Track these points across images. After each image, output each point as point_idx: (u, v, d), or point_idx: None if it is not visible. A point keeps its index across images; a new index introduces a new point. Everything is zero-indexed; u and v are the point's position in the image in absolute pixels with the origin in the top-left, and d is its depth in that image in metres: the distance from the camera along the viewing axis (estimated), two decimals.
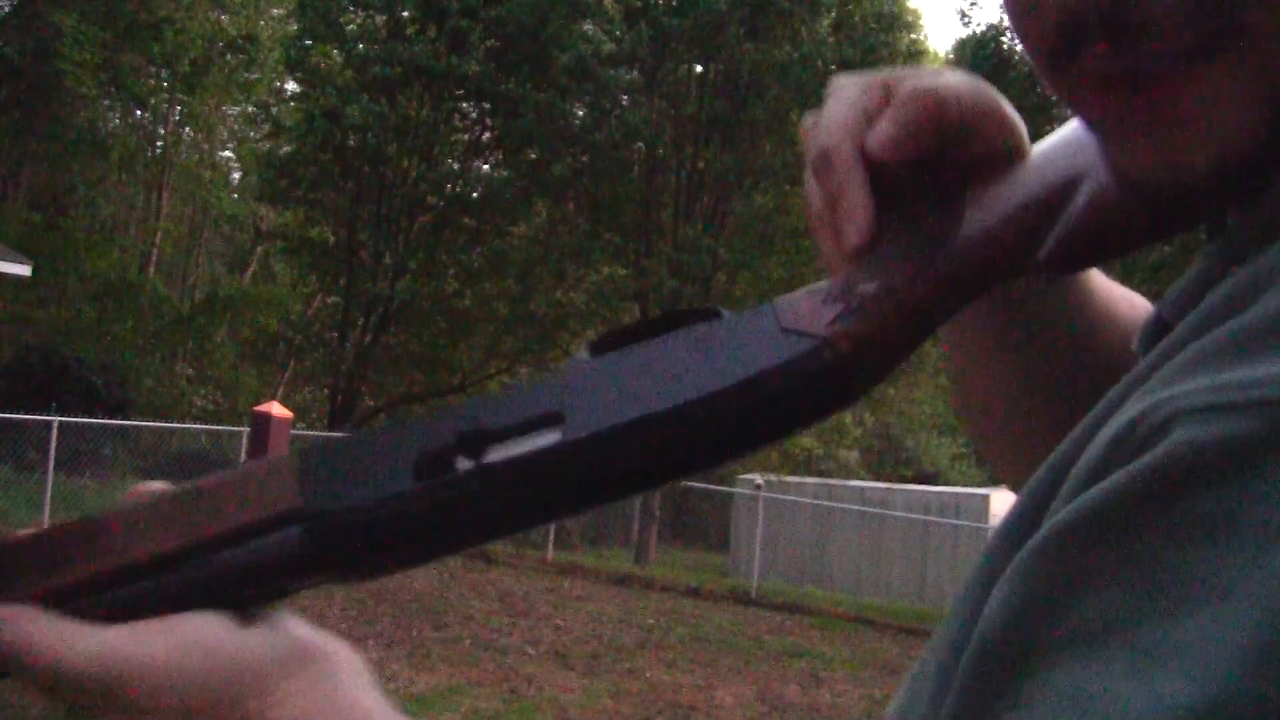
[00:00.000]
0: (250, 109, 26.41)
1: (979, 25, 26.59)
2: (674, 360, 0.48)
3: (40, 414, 12.21)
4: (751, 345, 0.47)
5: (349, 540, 0.46)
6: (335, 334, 21.53)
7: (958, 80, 0.52)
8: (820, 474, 21.38)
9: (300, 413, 21.15)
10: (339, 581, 0.49)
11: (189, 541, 0.48)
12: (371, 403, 20.89)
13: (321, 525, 0.46)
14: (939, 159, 0.52)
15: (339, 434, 0.56)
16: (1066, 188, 0.51)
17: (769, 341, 0.47)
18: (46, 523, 12.23)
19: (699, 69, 18.54)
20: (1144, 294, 0.65)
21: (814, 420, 0.48)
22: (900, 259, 0.50)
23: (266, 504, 0.47)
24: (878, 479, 22.44)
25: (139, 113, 25.31)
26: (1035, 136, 0.54)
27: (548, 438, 0.47)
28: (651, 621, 10.66)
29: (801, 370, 0.47)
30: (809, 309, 0.48)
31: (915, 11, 24.03)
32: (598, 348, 0.50)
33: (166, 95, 24.54)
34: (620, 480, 0.47)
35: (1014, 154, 0.53)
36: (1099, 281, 0.62)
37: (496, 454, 0.47)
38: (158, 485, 0.51)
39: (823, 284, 0.50)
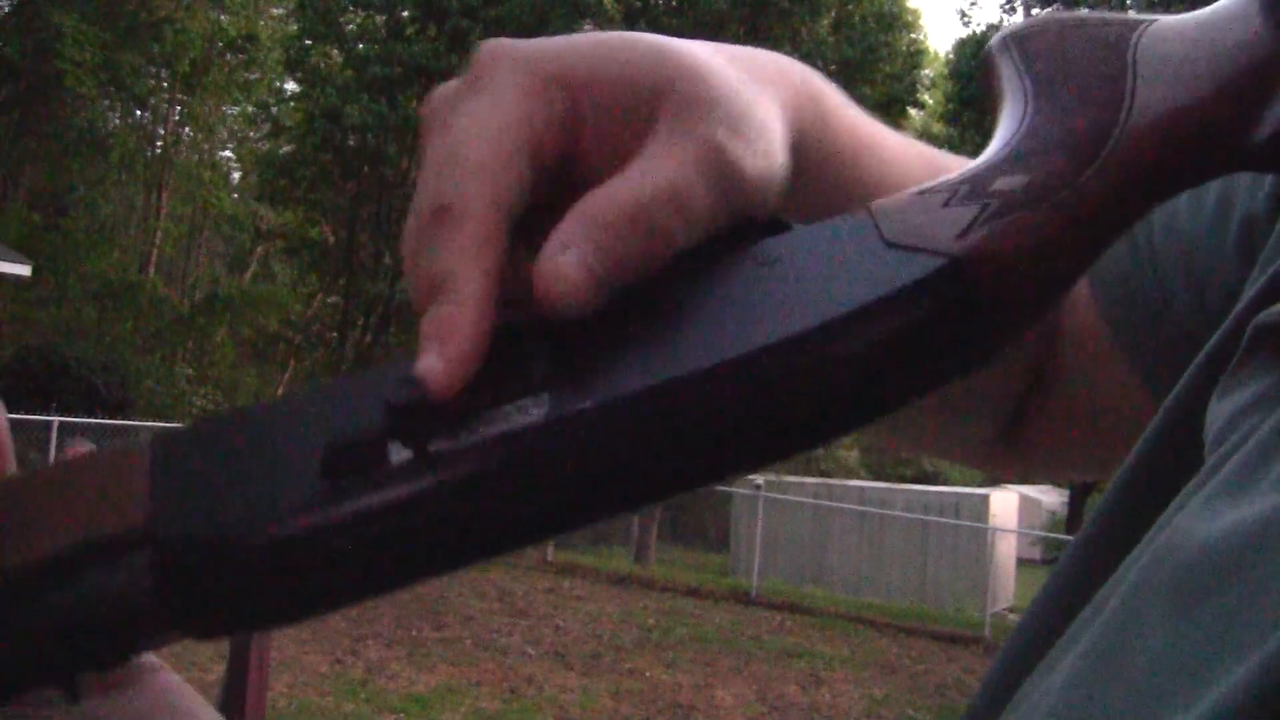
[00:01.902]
0: (250, 109, 26.41)
1: (979, 25, 26.64)
2: (722, 293, 0.32)
3: (40, 414, 12.22)
4: (841, 268, 0.32)
5: (216, 581, 0.29)
6: (335, 334, 21.54)
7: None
8: (820, 474, 21.41)
9: None
10: (207, 637, 0.30)
11: None
12: None
13: (174, 558, 0.29)
14: None
15: (218, 412, 0.34)
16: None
17: (866, 261, 0.31)
18: None
19: None
20: None
21: (934, 384, 0.32)
22: (1056, 140, 0.34)
23: (100, 518, 0.30)
24: (878, 479, 22.45)
25: (139, 113, 25.33)
26: None
27: (530, 412, 0.30)
28: (651, 621, 10.66)
29: (921, 304, 0.30)
30: (923, 214, 0.33)
31: (915, 11, 24.05)
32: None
33: (166, 95, 24.55)
34: (637, 477, 0.30)
35: None
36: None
37: (449, 437, 0.29)
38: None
39: (941, 181, 0.34)
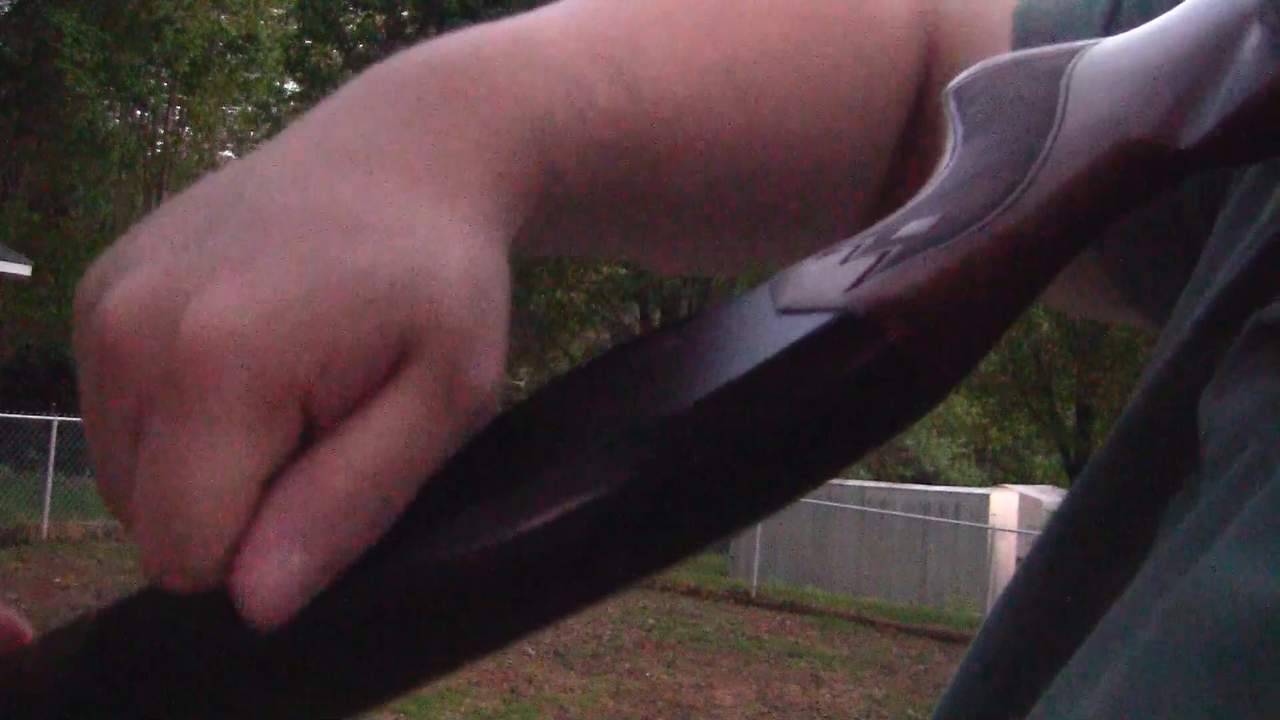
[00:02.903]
0: (250, 109, 26.42)
1: None
2: (615, 394, 0.30)
3: (40, 414, 12.21)
4: (732, 343, 0.30)
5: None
6: None
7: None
8: None
9: None
10: None
11: None
12: None
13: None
14: None
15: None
16: (1220, 40, 0.33)
17: (757, 332, 0.29)
18: (46, 523, 11.96)
19: None
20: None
21: (876, 438, 0.29)
22: (973, 176, 0.32)
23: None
24: (878, 479, 22.45)
25: (139, 113, 25.34)
26: None
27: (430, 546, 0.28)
28: (651, 621, 10.67)
29: (814, 362, 0.28)
30: (818, 276, 0.30)
31: None
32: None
33: (166, 95, 24.56)
34: (535, 593, 0.28)
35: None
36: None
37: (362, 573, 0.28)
38: None
39: (845, 241, 0.32)
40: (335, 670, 0.28)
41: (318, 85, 20.53)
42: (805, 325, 0.28)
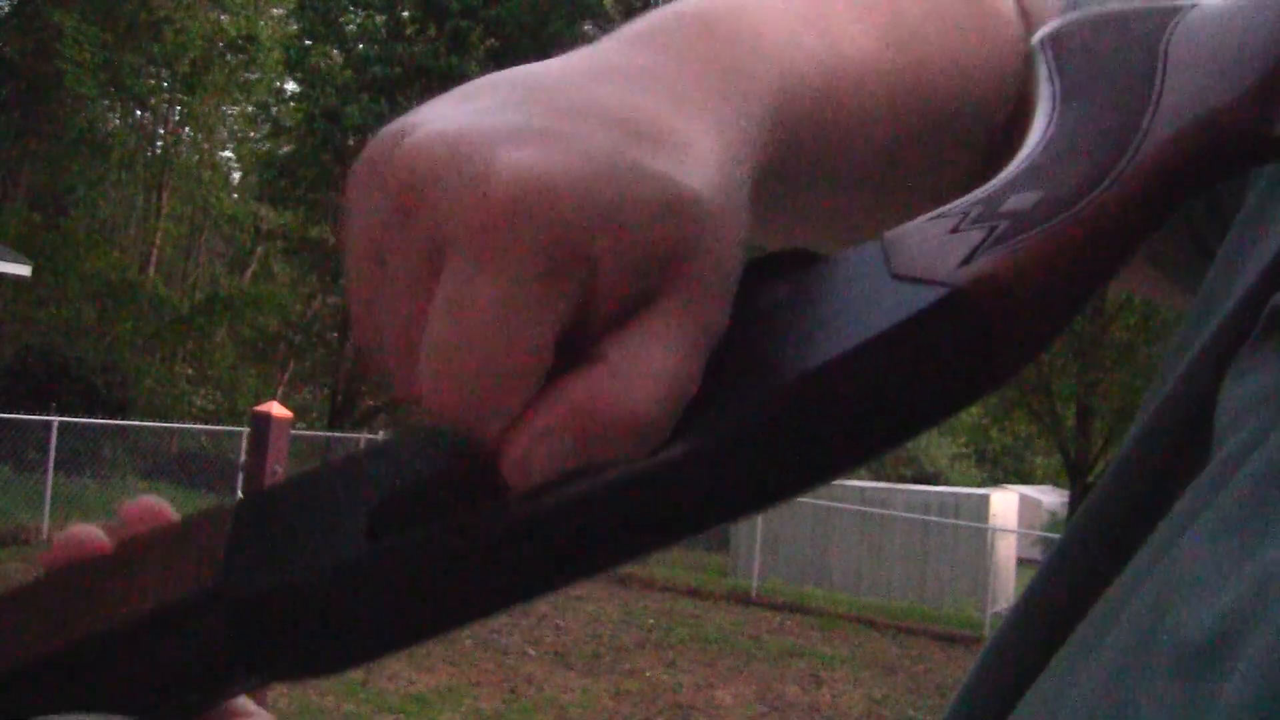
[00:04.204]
0: (250, 109, 26.42)
1: None
2: (733, 343, 0.31)
3: (40, 414, 12.21)
4: (850, 304, 0.31)
5: (281, 633, 0.32)
6: (335, 334, 21.55)
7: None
8: None
9: (300, 413, 21.16)
10: (290, 679, 0.33)
11: (82, 638, 0.33)
12: (372, 402, 20.87)
13: (242, 614, 0.32)
14: None
15: (292, 476, 0.36)
16: None
17: (873, 296, 0.30)
18: (47, 524, 11.96)
19: None
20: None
21: (947, 411, 0.30)
22: (1074, 149, 0.33)
23: (183, 582, 0.33)
24: (878, 479, 22.48)
25: (139, 113, 25.34)
26: None
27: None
28: (651, 621, 10.67)
29: (923, 336, 0.29)
30: (930, 242, 0.31)
31: None
32: None
33: (166, 95, 24.57)
34: (659, 525, 0.30)
35: None
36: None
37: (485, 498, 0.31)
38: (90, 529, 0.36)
39: (955, 204, 0.33)
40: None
41: (318, 85, 20.53)
42: (921, 297, 0.29)
